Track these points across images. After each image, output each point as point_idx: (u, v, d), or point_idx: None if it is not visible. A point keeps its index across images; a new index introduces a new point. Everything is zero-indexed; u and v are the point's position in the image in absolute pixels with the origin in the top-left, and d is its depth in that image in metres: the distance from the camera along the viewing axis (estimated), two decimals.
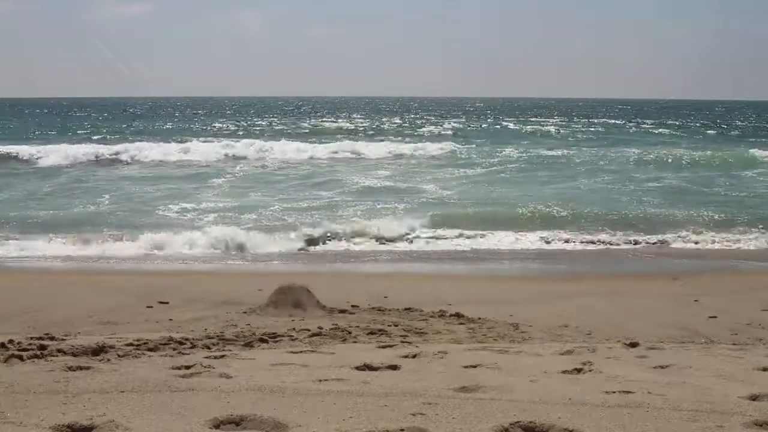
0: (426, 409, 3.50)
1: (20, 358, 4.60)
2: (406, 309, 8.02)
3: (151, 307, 8.33)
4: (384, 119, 66.35)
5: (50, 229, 14.96)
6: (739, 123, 65.64)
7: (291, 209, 17.98)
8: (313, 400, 3.65)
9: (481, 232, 15.17)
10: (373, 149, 33.43)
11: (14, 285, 10.12)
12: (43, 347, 4.97)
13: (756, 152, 31.17)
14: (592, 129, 53.63)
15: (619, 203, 18.94)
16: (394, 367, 4.67)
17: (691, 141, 41.53)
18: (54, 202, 19.20)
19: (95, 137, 39.69)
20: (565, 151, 32.83)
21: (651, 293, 9.77)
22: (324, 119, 67.07)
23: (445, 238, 14.97)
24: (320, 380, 4.13)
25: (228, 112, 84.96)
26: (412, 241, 14.81)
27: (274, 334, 6.40)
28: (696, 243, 14.82)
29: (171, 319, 7.59)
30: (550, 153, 31.94)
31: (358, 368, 4.59)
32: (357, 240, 14.73)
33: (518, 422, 3.32)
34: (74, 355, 4.84)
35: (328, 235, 14.80)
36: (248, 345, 5.82)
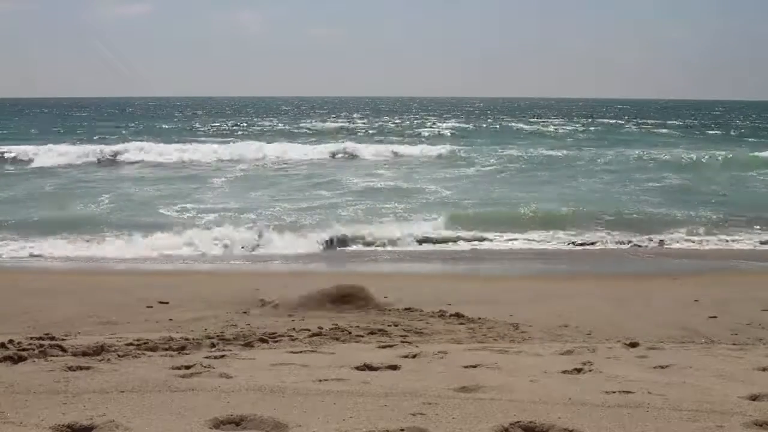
0: (426, 409, 3.50)
1: (20, 358, 4.60)
2: (406, 309, 8.01)
3: (151, 307, 8.32)
4: (384, 119, 66.36)
5: (50, 229, 14.93)
6: (739, 123, 65.67)
7: (291, 209, 17.97)
8: (313, 400, 3.65)
9: (481, 233, 15.17)
10: (373, 149, 33.41)
11: (14, 285, 10.11)
12: (43, 347, 4.97)
13: (756, 152, 31.20)
14: (592, 129, 53.64)
15: (619, 203, 18.92)
16: (394, 367, 4.67)
17: (691, 141, 41.53)
18: (54, 202, 19.17)
19: (95, 137, 39.67)
20: (565, 151, 32.84)
21: (651, 293, 9.76)
22: (324, 119, 67.07)
23: (445, 238, 14.96)
24: (320, 380, 4.13)
25: (228, 112, 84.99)
26: (411, 242, 14.79)
27: (274, 334, 6.40)
28: (696, 243, 14.82)
29: (171, 319, 7.59)
30: (550, 153, 31.92)
31: (358, 368, 4.58)
32: (357, 240, 14.73)
33: (518, 422, 3.32)
34: (74, 355, 4.85)
35: (328, 235, 14.79)
36: (248, 345, 5.82)
